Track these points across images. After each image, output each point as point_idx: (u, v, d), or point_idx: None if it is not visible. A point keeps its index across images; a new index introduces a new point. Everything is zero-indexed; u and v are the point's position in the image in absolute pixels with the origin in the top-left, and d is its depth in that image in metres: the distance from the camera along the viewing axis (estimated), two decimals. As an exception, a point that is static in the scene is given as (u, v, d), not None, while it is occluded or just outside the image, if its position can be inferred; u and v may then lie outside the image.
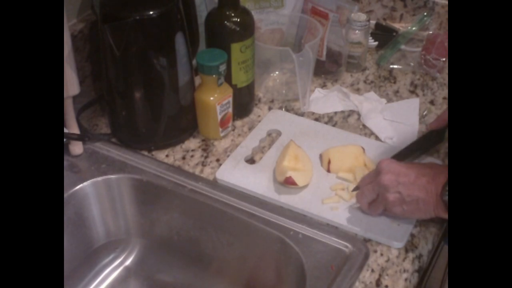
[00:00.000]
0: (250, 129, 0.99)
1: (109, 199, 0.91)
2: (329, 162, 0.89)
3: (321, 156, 0.92)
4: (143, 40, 0.84)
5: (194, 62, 0.93)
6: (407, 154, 0.90)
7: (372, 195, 0.79)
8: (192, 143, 0.96)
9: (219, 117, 0.93)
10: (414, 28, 1.22)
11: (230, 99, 0.94)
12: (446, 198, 0.71)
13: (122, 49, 0.83)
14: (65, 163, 0.90)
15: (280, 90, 1.08)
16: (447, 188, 0.71)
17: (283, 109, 1.04)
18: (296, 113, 1.03)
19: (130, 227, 0.94)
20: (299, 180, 0.84)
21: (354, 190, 0.84)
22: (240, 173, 0.89)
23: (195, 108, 0.94)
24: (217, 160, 0.93)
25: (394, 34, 1.22)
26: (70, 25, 0.94)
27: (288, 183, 0.84)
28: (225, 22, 0.91)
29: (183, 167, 0.91)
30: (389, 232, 0.79)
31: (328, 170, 0.89)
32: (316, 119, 1.01)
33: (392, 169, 0.77)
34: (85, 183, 0.88)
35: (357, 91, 1.10)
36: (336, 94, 1.07)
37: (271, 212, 0.83)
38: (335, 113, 1.03)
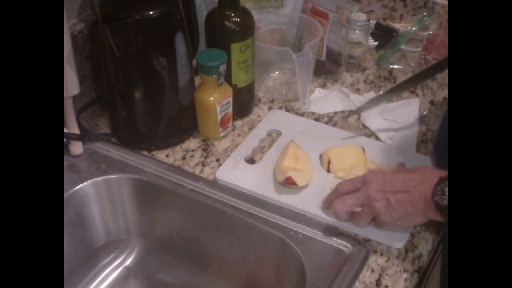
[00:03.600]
0: (250, 129, 0.99)
1: (109, 199, 0.91)
2: (329, 162, 0.89)
3: (321, 156, 0.92)
4: (143, 40, 0.84)
5: (194, 62, 0.93)
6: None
7: (355, 204, 0.78)
8: (192, 143, 0.96)
9: (219, 117, 0.93)
10: (414, 28, 1.22)
11: (230, 99, 0.94)
12: (437, 198, 0.70)
13: (122, 49, 0.83)
14: (65, 163, 0.90)
15: (280, 90, 1.08)
16: (438, 189, 0.70)
17: (283, 109, 1.04)
18: (296, 113, 1.03)
19: (130, 227, 0.94)
20: (299, 180, 0.84)
21: (327, 200, 0.82)
22: (240, 173, 0.89)
23: (195, 108, 0.94)
24: (217, 160, 0.93)
25: (394, 34, 1.22)
26: (70, 25, 0.94)
27: (288, 183, 0.84)
28: (225, 22, 0.91)
29: (183, 167, 0.91)
30: (389, 232, 0.79)
31: (328, 170, 0.89)
32: (316, 119, 1.01)
33: (378, 179, 0.76)
34: (85, 183, 0.88)
35: (357, 91, 1.09)
36: (336, 94, 1.07)
37: (271, 212, 0.83)
38: (335, 113, 1.03)
